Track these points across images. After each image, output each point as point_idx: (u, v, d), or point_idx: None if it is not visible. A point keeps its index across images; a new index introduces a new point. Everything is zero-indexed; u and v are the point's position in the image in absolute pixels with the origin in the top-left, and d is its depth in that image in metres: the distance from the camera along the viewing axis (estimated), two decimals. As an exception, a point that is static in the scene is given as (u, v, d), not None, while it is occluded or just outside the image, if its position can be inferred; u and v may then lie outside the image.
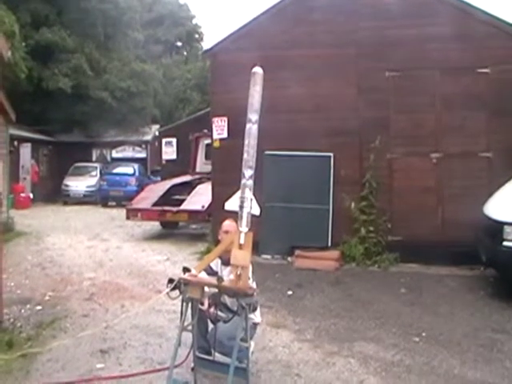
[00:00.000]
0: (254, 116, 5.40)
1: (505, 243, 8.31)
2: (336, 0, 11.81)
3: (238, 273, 4.88)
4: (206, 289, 5.05)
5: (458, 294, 8.88)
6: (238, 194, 5.24)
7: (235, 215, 5.19)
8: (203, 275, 5.23)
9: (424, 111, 11.38)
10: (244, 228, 5.09)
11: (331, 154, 11.64)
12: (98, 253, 12.60)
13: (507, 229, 8.33)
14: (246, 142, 5.34)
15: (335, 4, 11.76)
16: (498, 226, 8.48)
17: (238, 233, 5.08)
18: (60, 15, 29.24)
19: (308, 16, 11.90)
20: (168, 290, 5.02)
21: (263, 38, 12.01)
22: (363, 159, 11.51)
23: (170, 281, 5.06)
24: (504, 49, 10.92)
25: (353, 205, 11.31)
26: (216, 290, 5.04)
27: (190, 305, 5.02)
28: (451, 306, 8.21)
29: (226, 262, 5.42)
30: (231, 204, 5.34)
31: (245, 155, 5.30)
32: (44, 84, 27.87)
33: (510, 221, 8.35)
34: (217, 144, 12.63)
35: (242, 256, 4.97)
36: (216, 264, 5.55)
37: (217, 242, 6.12)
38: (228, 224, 5.63)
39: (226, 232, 5.58)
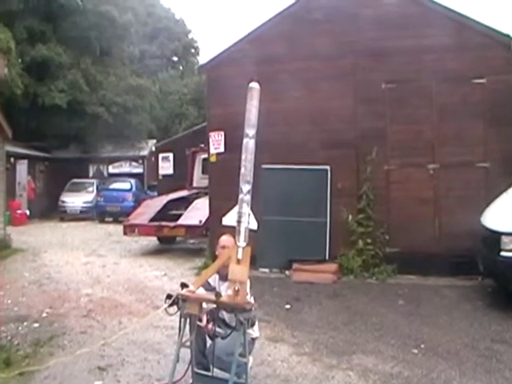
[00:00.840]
0: (251, 131, 5.41)
1: (502, 253, 8.32)
2: (332, 13, 11.83)
3: (236, 288, 4.87)
4: (204, 305, 5.04)
5: (456, 305, 8.87)
6: (236, 208, 5.24)
7: (233, 230, 5.19)
8: (201, 291, 5.22)
9: (421, 122, 11.42)
10: (242, 243, 5.09)
11: (328, 167, 11.67)
12: (96, 269, 12.55)
13: (504, 239, 8.34)
14: (244, 156, 5.34)
15: (331, 17, 11.82)
16: (496, 236, 8.49)
17: (235, 248, 5.08)
18: (56, 31, 29.29)
19: (304, 29, 11.96)
20: (166, 305, 5.02)
21: (259, 51, 12.08)
22: (360, 171, 11.53)
23: (168, 297, 5.06)
24: (500, 59, 10.97)
25: (350, 217, 11.31)
26: (214, 306, 5.03)
27: (188, 321, 5.01)
28: (450, 316, 8.20)
29: (223, 278, 5.41)
30: (229, 219, 5.33)
31: (242, 170, 5.31)
32: (40, 100, 27.88)
33: (507, 231, 8.36)
34: (214, 158, 12.66)
35: (239, 271, 4.97)
36: (214, 279, 5.54)
37: (214, 257, 6.12)
38: (225, 239, 5.63)
39: (224, 247, 5.57)
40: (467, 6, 16.73)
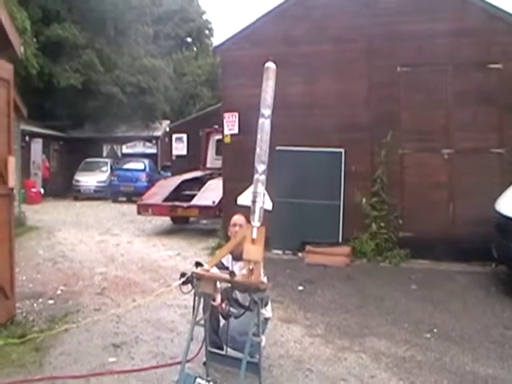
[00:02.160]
0: (266, 111, 5.37)
1: (516, 240, 8.27)
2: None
3: (251, 267, 4.87)
4: (218, 284, 5.06)
5: (469, 291, 8.84)
6: (251, 188, 5.22)
7: (246, 210, 5.19)
8: (214, 270, 5.23)
9: (435, 107, 11.31)
10: (256, 223, 5.07)
11: (342, 150, 11.63)
12: (109, 248, 12.65)
13: (518, 226, 8.30)
14: (259, 136, 5.31)
15: (346, 0, 11.72)
16: (510, 223, 8.44)
17: (250, 227, 5.08)
18: (70, 11, 29.28)
19: (319, 11, 11.89)
20: (180, 282, 5.03)
21: (274, 33, 12.03)
22: (374, 155, 11.48)
23: (183, 275, 5.08)
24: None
25: (364, 200, 11.29)
26: (228, 285, 5.04)
27: (202, 299, 5.03)
28: (463, 302, 8.18)
29: (236, 257, 5.43)
30: (244, 199, 5.33)
31: (257, 150, 5.28)
32: (55, 80, 27.94)
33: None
34: (228, 140, 12.66)
35: (254, 251, 4.96)
36: (227, 259, 5.57)
37: (227, 238, 6.14)
38: (237, 218, 5.68)
39: (235, 225, 5.64)
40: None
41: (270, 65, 5.52)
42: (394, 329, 6.98)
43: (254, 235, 5.01)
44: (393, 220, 11.18)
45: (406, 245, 10.95)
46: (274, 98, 5.47)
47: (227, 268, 5.41)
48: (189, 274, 5.05)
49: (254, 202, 5.13)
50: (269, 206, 5.25)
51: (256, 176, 5.21)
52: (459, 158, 11.16)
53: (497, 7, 11.09)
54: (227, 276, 4.92)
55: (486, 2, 11.13)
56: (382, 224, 11.14)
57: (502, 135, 10.96)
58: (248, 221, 5.17)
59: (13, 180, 6.90)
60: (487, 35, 10.94)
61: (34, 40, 25.63)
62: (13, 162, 6.89)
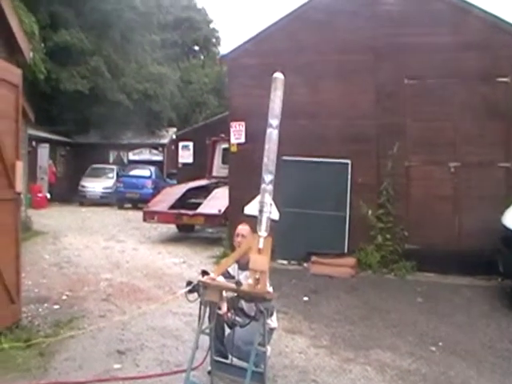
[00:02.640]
0: (274, 121, 5.39)
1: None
2: (355, 6, 11.75)
3: (257, 277, 4.88)
4: (224, 293, 5.07)
5: (474, 305, 8.83)
6: (258, 198, 5.24)
7: (252, 219, 5.20)
8: (220, 279, 5.23)
9: (442, 119, 11.32)
10: (263, 233, 5.09)
11: (349, 161, 11.63)
12: (115, 254, 12.67)
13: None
14: (267, 146, 5.32)
15: (354, 10, 11.75)
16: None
17: (256, 237, 5.09)
18: (78, 17, 29.41)
19: (326, 22, 11.90)
20: (185, 290, 5.05)
21: (281, 43, 12.04)
22: (381, 166, 11.48)
23: (189, 283, 5.09)
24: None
25: (370, 212, 11.28)
26: (234, 295, 5.05)
27: (207, 308, 5.04)
28: (468, 316, 8.17)
29: (242, 267, 5.45)
30: (251, 208, 5.34)
31: (265, 160, 5.29)
32: (62, 85, 28.01)
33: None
34: (234, 148, 12.69)
35: (260, 261, 4.97)
36: (233, 268, 5.57)
37: (233, 247, 6.15)
38: (241, 228, 5.72)
39: (238, 235, 5.66)
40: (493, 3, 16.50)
41: (278, 75, 5.54)
42: (398, 341, 6.97)
43: (261, 245, 5.03)
44: (398, 232, 11.16)
45: (411, 257, 10.93)
46: (281, 107, 5.49)
47: (233, 277, 5.42)
48: (195, 282, 5.07)
49: (260, 211, 5.15)
50: (276, 216, 5.27)
51: (263, 186, 5.22)
52: (465, 171, 11.15)
53: (505, 21, 11.11)
54: (233, 285, 4.93)
55: (495, 16, 11.16)
56: (388, 236, 11.13)
57: (508, 149, 10.97)
58: (253, 230, 5.18)
59: (20, 185, 6.92)
60: (495, 49, 10.94)
61: (42, 45, 25.74)
62: (21, 167, 6.92)
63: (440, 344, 6.86)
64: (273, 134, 5.35)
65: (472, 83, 11.12)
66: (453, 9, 11.24)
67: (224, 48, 48.15)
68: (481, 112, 11.07)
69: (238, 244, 5.64)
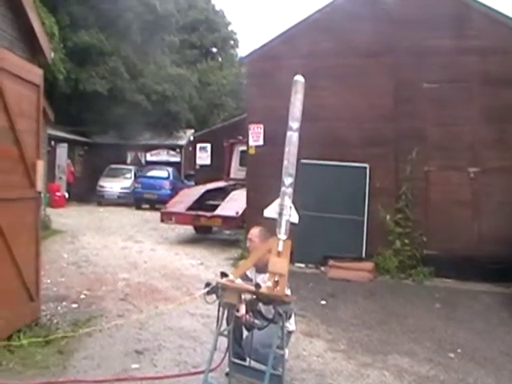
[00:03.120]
0: (295, 124, 5.38)
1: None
2: (374, 10, 11.72)
3: (276, 280, 4.88)
4: (243, 295, 5.07)
5: (493, 311, 8.76)
6: (278, 201, 5.24)
7: (271, 222, 5.20)
8: (238, 282, 5.24)
9: (462, 124, 11.27)
10: (283, 236, 5.09)
11: (367, 165, 11.60)
12: (132, 254, 12.73)
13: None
14: (287, 149, 5.32)
15: (372, 14, 11.71)
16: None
17: (276, 240, 5.09)
18: (98, 18, 29.57)
19: (346, 25, 11.87)
20: (204, 291, 5.06)
21: (301, 46, 12.04)
22: (399, 171, 11.44)
23: (208, 285, 5.10)
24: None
25: (388, 217, 11.23)
26: (252, 297, 5.05)
27: (226, 310, 5.04)
28: (487, 322, 8.11)
29: (260, 270, 5.45)
30: (270, 211, 5.34)
31: (285, 163, 5.29)
32: (81, 86, 28.20)
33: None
34: (252, 151, 12.71)
35: (280, 264, 4.98)
36: (251, 271, 5.57)
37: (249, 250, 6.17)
38: (252, 231, 5.79)
39: (249, 240, 5.75)
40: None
41: (299, 78, 5.53)
42: (416, 347, 6.93)
43: (280, 248, 5.03)
44: (417, 237, 11.10)
45: (429, 263, 10.87)
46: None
47: (251, 280, 5.41)
48: (214, 284, 5.08)
49: (280, 214, 5.15)
50: (295, 219, 5.26)
51: (283, 189, 5.22)
52: (485, 176, 11.07)
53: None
54: (252, 287, 4.93)
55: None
56: (406, 241, 11.08)
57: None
58: (272, 233, 5.19)
59: (41, 184, 6.97)
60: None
61: (61, 45, 25.94)
62: (41, 166, 6.97)
63: (458, 351, 6.81)
64: (293, 136, 5.35)
65: (492, 87, 11.04)
66: (472, 13, 11.18)
67: (242, 50, 48.46)
68: (501, 117, 10.99)
69: (250, 247, 5.68)
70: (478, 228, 11.01)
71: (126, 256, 12.40)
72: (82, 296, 8.61)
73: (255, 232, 5.71)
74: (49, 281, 9.25)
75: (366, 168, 11.63)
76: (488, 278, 10.35)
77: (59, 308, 7.85)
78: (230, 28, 53.14)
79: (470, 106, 11.19)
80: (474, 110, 11.18)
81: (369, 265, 10.93)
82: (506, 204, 10.71)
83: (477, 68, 11.04)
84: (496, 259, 10.12)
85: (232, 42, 53.73)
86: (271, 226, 5.22)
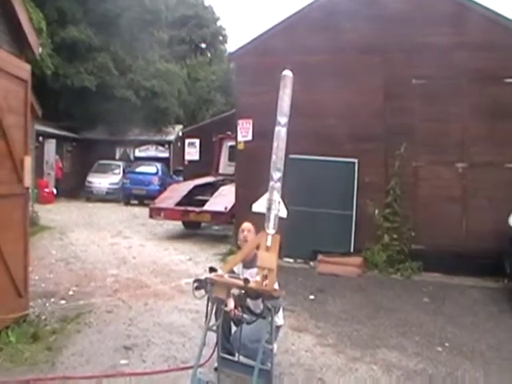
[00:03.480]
0: (283, 119, 5.38)
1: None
2: (363, 6, 11.72)
3: (265, 274, 4.88)
4: (232, 290, 5.06)
5: (481, 306, 8.80)
6: (266, 195, 5.23)
7: (260, 217, 5.20)
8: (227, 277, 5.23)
9: (450, 120, 11.29)
10: (271, 230, 5.09)
11: (356, 160, 11.62)
12: (121, 250, 12.70)
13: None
14: (275, 144, 5.32)
15: (362, 10, 11.70)
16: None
17: (264, 235, 5.09)
18: (86, 13, 29.37)
19: (334, 21, 11.85)
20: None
21: (289, 41, 11.99)
22: (388, 166, 11.47)
23: (196, 281, 5.09)
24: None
25: (376, 211, 11.27)
26: (240, 292, 5.04)
27: (215, 305, 5.04)
28: (475, 317, 8.15)
29: (247, 265, 5.47)
30: (259, 206, 5.33)
31: (273, 157, 5.29)
32: (69, 81, 27.99)
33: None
34: (241, 146, 12.71)
35: (268, 258, 4.98)
36: (238, 267, 5.56)
37: (239, 245, 6.17)
38: (245, 225, 5.83)
39: (243, 231, 5.76)
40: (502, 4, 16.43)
41: (287, 73, 5.52)
42: (405, 341, 6.96)
43: (269, 243, 5.03)
44: (405, 232, 11.14)
45: (418, 257, 10.91)
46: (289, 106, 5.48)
47: (238, 275, 5.40)
48: (203, 278, 5.07)
49: (269, 209, 5.15)
50: (284, 213, 5.26)
51: (271, 183, 5.22)
52: (473, 172, 11.12)
53: (514, 22, 11.10)
54: (241, 282, 4.93)
55: (504, 17, 11.11)
56: (395, 236, 11.11)
57: (514, 151, 10.91)
58: (260, 228, 5.19)
59: (29, 180, 6.94)
60: (503, 49, 10.88)
61: (50, 41, 25.75)
62: (29, 162, 6.93)
63: (446, 345, 6.85)
64: (281, 131, 5.34)
65: (480, 84, 11.07)
66: (461, 9, 11.18)
67: (231, 45, 48.36)
68: (489, 113, 11.02)
69: (244, 238, 5.69)
70: (467, 223, 11.06)
71: (115, 252, 12.37)
72: (71, 292, 8.59)
73: (248, 225, 5.72)
74: (37, 277, 9.22)
75: (354, 163, 11.65)
76: (476, 273, 10.41)
77: (47, 304, 7.84)
78: (218, 23, 53.04)
79: (459, 102, 11.21)
80: (462, 106, 11.21)
81: (357, 259, 10.96)
82: (493, 199, 10.76)
83: (466, 64, 11.05)
84: (484, 254, 10.18)
85: (221, 38, 53.63)
86: (260, 221, 5.21)
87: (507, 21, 11.04)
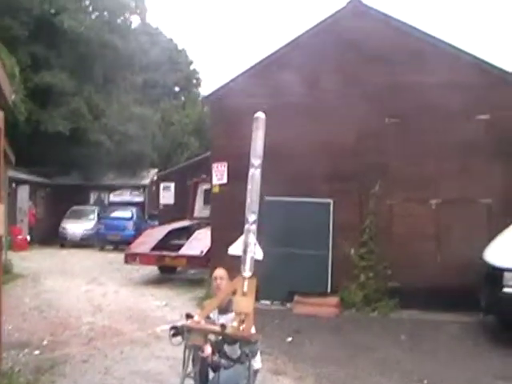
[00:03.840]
0: (256, 161, 5.42)
1: (504, 289, 8.35)
2: (337, 46, 11.93)
3: (242, 319, 4.86)
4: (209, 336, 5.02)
5: (458, 341, 8.85)
6: (242, 238, 5.25)
7: (236, 260, 5.20)
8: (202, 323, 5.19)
9: (424, 157, 11.46)
10: (248, 273, 5.09)
11: (331, 200, 11.70)
12: (97, 297, 12.51)
13: (507, 275, 8.37)
14: (249, 187, 5.36)
15: (336, 50, 11.92)
16: (498, 273, 8.51)
17: (241, 279, 5.08)
18: (59, 58, 29.50)
19: (309, 62, 12.01)
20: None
21: (262, 84, 12.15)
22: (363, 205, 11.56)
23: (173, 328, 5.05)
24: (503, 96, 11.10)
25: (352, 251, 11.32)
26: (217, 338, 5.00)
27: (192, 352, 4.99)
28: (452, 352, 8.18)
29: (222, 311, 5.42)
30: (235, 248, 5.34)
31: (248, 200, 5.32)
32: (43, 126, 27.94)
33: (509, 267, 8.38)
34: (216, 189, 12.71)
35: (245, 303, 4.97)
36: (213, 313, 5.52)
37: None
38: (217, 271, 5.71)
39: (216, 278, 5.65)
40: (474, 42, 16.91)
41: (260, 115, 5.58)
42: (384, 380, 6.95)
43: (245, 287, 5.02)
44: (381, 270, 11.19)
45: (394, 294, 10.94)
46: (263, 147, 5.53)
47: (214, 321, 5.36)
48: (179, 325, 5.03)
49: (244, 251, 5.16)
50: (260, 255, 5.27)
51: (247, 226, 5.24)
52: (447, 207, 11.27)
53: (487, 62, 11.40)
54: (218, 328, 4.90)
55: (474, 56, 11.44)
56: (371, 274, 11.16)
57: (489, 185, 11.10)
58: (237, 271, 5.17)
59: (2, 228, 6.85)
60: (476, 87, 11.16)
61: (23, 86, 25.74)
62: (2, 210, 6.86)
63: (425, 382, 6.85)
64: (255, 174, 5.38)
65: (453, 121, 11.30)
66: (434, 49, 11.48)
67: (205, 89, 48.70)
68: (462, 149, 11.23)
69: (217, 286, 5.62)
70: (441, 258, 11.15)
71: (90, 299, 12.19)
72: (45, 342, 8.43)
73: (221, 272, 5.67)
74: (10, 327, 9.00)
75: (329, 203, 11.73)
76: (452, 308, 10.44)
77: (21, 355, 7.67)
78: (192, 67, 53.60)
79: (432, 140, 11.42)
80: (435, 144, 11.40)
81: (334, 299, 10.96)
82: (467, 234, 10.88)
83: (438, 102, 11.27)
84: (459, 289, 10.21)
85: (194, 81, 54.12)
86: (236, 264, 5.20)
87: (477, 60, 11.37)
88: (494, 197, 11.07)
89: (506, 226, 9.83)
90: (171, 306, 11.60)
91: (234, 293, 5.13)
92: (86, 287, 13.87)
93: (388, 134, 11.64)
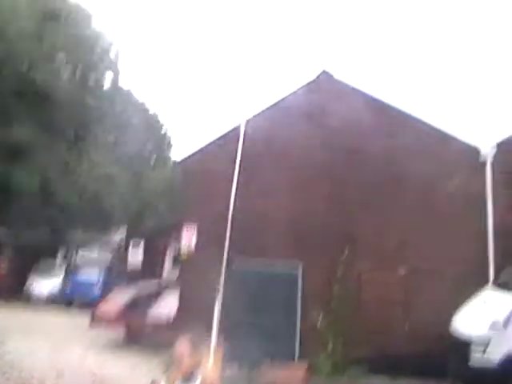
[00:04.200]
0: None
1: (471, 362, 8.37)
2: (307, 118, 12.25)
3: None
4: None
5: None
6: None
7: (200, 326, 5.18)
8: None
9: (392, 226, 11.72)
10: (214, 341, 5.09)
11: (299, 269, 11.79)
12: (61, 359, 12.18)
13: (473, 346, 8.43)
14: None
15: (306, 122, 12.25)
16: (465, 343, 8.57)
17: (207, 348, 5.07)
18: (30, 114, 29.45)
19: (279, 132, 12.35)
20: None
21: (233, 152, 12.26)
22: (331, 273, 11.62)
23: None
24: (469, 168, 11.57)
25: (320, 318, 11.30)
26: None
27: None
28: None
29: (185, 379, 5.35)
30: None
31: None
32: (10, 183, 27.69)
33: (476, 339, 8.46)
34: (184, 257, 12.63)
35: (210, 372, 4.96)
36: (177, 382, 5.44)
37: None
38: (179, 343, 5.54)
39: (178, 347, 5.50)
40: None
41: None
42: None
43: (211, 356, 5.02)
44: (350, 337, 11.16)
45: (363, 361, 10.91)
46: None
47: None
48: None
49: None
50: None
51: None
52: (415, 276, 11.43)
53: (449, 135, 11.86)
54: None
55: (439, 130, 11.88)
56: (339, 341, 11.12)
57: (457, 254, 11.27)
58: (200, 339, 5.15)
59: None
60: (442, 159, 11.61)
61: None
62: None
63: None
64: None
65: (421, 191, 11.65)
66: (399, 121, 11.99)
67: (176, 151, 48.99)
68: (429, 218, 11.50)
69: (180, 356, 5.49)
70: (409, 325, 11.21)
71: (55, 361, 11.86)
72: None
73: (183, 342, 5.48)
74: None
75: (297, 272, 11.81)
76: (420, 374, 10.41)
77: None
78: (164, 129, 53.94)
79: (399, 209, 11.69)
80: (402, 213, 11.65)
81: (302, 367, 10.87)
82: (435, 302, 10.97)
83: (403, 170, 11.63)
84: (427, 355, 10.26)
85: (166, 144, 54.38)
86: (202, 330, 5.19)
87: (442, 133, 11.82)
88: (461, 266, 11.21)
89: (473, 295, 9.94)
90: (138, 372, 11.34)
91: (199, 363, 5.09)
92: (50, 349, 13.50)
93: (356, 203, 11.85)
